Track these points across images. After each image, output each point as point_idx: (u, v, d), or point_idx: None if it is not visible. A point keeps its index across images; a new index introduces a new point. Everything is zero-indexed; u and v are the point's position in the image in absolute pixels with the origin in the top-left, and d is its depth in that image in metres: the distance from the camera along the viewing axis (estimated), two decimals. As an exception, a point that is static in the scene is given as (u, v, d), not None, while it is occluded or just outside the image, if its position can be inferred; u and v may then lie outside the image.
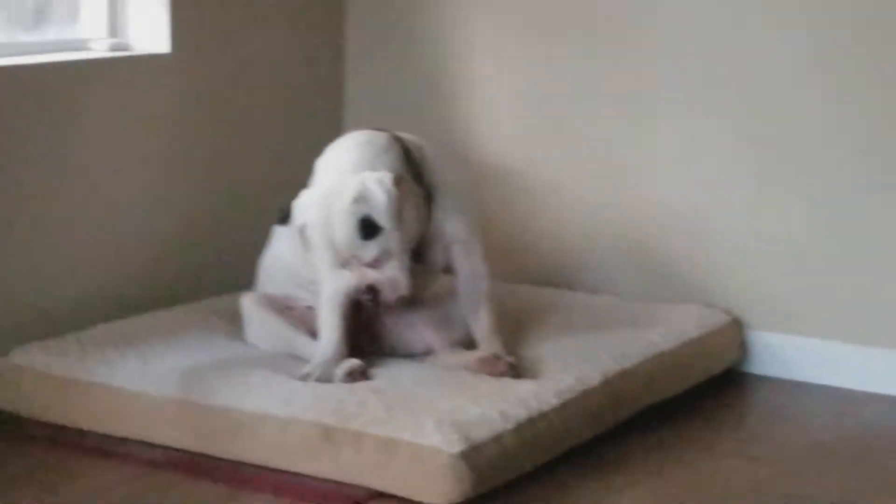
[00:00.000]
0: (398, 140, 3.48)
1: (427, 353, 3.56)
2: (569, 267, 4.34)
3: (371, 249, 3.28)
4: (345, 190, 3.30)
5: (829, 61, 3.99)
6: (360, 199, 3.26)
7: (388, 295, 3.34)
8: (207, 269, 4.16)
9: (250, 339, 3.59)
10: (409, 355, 3.58)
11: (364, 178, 3.27)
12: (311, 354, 3.44)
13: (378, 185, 3.25)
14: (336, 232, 3.32)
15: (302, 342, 3.47)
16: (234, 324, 3.71)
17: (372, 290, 3.35)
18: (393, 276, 3.32)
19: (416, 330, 3.58)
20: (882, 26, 3.92)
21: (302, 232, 3.49)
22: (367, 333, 3.54)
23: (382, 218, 3.25)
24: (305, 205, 3.46)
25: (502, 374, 3.38)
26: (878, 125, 3.95)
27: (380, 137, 3.45)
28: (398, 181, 3.29)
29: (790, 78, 4.03)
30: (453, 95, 4.47)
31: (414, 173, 3.43)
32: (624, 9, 4.21)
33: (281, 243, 3.62)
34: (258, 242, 3.78)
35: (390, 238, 3.29)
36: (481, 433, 3.04)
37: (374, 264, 3.33)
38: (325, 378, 3.36)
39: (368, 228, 3.26)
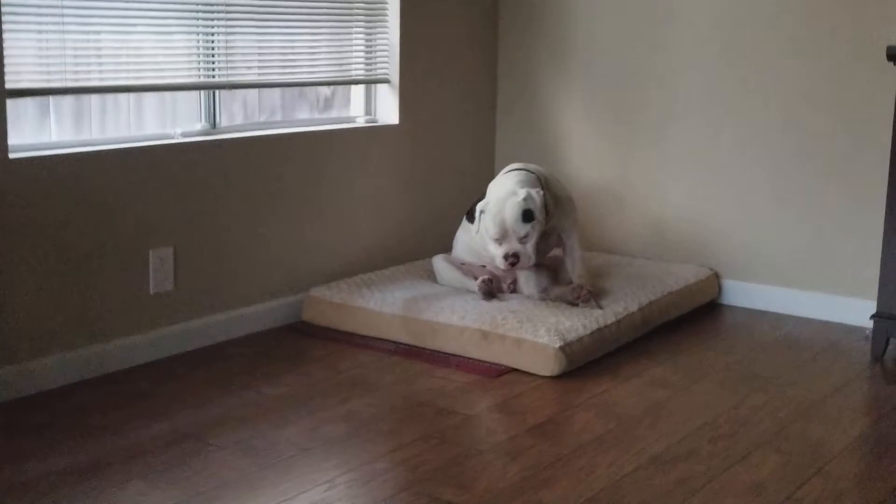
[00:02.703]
0: (535, 173, 3.89)
1: (546, 290, 3.94)
2: (622, 242, 4.67)
3: (525, 228, 3.71)
4: (518, 195, 3.71)
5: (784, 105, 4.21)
6: (527, 198, 3.71)
7: (523, 263, 3.75)
8: (413, 248, 4.50)
9: (441, 282, 4.07)
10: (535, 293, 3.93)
11: (528, 190, 3.74)
12: (471, 287, 3.88)
13: (536, 195, 3.73)
14: (507, 216, 3.69)
15: (469, 283, 3.96)
16: (431, 275, 4.15)
17: (513, 256, 3.73)
18: (527, 251, 3.73)
19: (541, 277, 3.96)
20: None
21: (479, 215, 3.77)
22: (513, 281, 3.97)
23: (535, 211, 3.72)
24: (487, 200, 3.77)
25: (585, 298, 3.81)
26: (816, 131, 4.15)
27: (528, 174, 3.85)
28: (543, 196, 3.77)
29: (758, 115, 4.27)
30: (561, 142, 4.77)
31: (544, 192, 3.82)
32: (653, 114, 4.51)
33: (464, 229, 4.08)
34: (452, 228, 4.23)
35: (535, 225, 3.73)
36: (571, 336, 3.52)
37: (522, 240, 3.73)
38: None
39: (527, 215, 3.71)
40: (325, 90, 4.30)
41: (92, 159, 3.33)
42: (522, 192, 3.73)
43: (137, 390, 3.27)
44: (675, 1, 4.43)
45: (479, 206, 3.79)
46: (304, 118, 4.24)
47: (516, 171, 3.89)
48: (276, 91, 4.13)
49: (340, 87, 4.35)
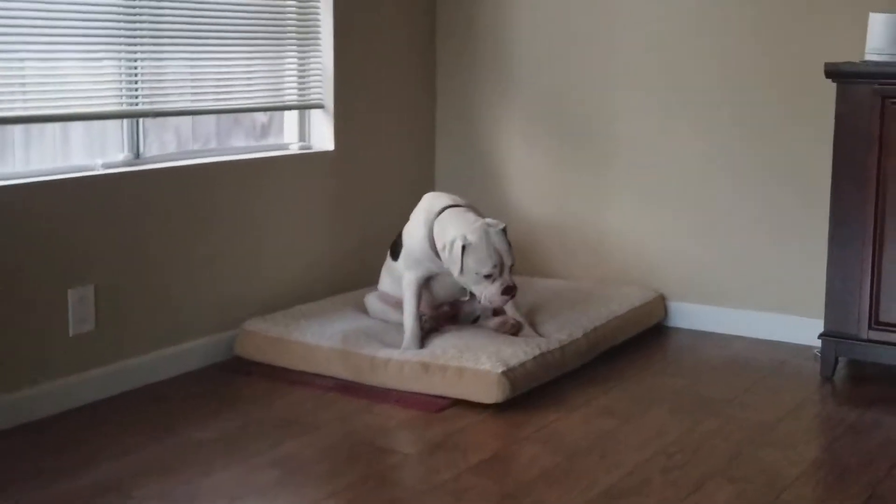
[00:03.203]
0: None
1: (476, 320, 3.85)
2: (566, 266, 4.60)
3: (513, 257, 3.59)
4: (493, 224, 3.57)
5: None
6: (505, 227, 3.61)
7: (514, 291, 3.60)
8: (350, 278, 4.35)
9: (372, 316, 3.91)
10: (469, 322, 3.87)
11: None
12: (402, 321, 3.67)
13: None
14: (499, 246, 3.53)
15: (397, 317, 3.75)
16: (362, 307, 3.98)
17: (515, 288, 3.57)
18: (511, 280, 3.59)
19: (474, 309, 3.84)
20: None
21: (457, 254, 3.50)
22: (450, 315, 3.84)
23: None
24: (463, 236, 3.50)
25: (511, 329, 3.72)
26: (760, 151, 4.12)
27: (473, 209, 3.72)
28: None
29: (696, 142, 4.24)
30: (503, 166, 4.69)
31: None
32: (597, 137, 4.45)
33: (389, 264, 3.90)
34: (378, 262, 4.02)
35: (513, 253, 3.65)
36: (513, 362, 3.43)
37: (510, 270, 3.58)
38: (413, 348, 3.61)
39: (508, 244, 3.60)
40: (262, 117, 4.17)
41: (5, 193, 3.12)
42: (497, 222, 3.61)
43: (56, 440, 3.06)
44: (616, 24, 4.38)
45: (455, 244, 3.52)
46: (237, 146, 4.07)
47: (464, 207, 3.71)
48: (211, 118, 3.97)
49: (277, 114, 4.20)
